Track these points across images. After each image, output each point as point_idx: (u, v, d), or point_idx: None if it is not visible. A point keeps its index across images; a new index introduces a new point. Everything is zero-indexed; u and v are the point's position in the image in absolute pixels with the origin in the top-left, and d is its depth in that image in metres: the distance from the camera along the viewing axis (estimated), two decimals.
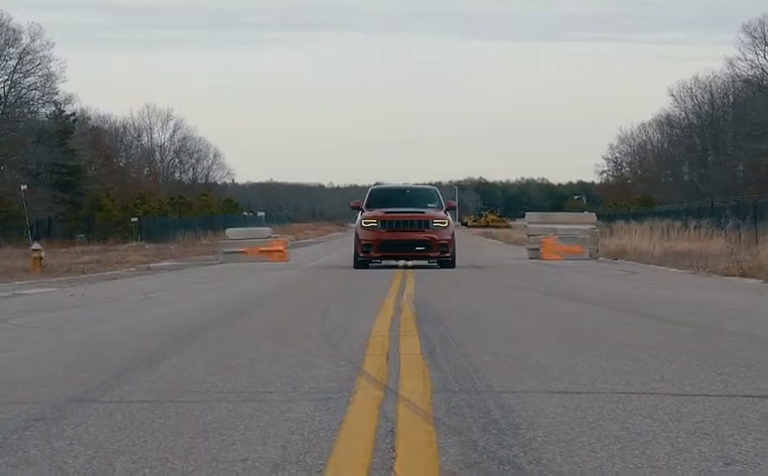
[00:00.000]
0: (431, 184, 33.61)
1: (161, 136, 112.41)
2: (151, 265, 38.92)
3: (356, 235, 29.65)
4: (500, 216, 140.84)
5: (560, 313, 13.43)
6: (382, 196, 31.12)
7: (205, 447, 4.97)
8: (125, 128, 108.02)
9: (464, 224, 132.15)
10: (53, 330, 11.69)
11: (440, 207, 30.56)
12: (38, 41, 76.23)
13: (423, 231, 29.09)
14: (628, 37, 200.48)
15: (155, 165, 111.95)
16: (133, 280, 26.36)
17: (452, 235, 29.53)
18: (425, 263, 29.80)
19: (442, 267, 28.76)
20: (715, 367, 7.76)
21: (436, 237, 28.96)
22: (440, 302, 15.21)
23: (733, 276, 23.68)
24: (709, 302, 15.45)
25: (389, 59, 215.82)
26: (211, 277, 26.69)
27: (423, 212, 29.76)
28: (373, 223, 29.32)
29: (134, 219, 79.15)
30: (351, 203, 31.20)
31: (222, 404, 6.21)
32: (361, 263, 29.22)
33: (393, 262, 30.00)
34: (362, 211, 30.12)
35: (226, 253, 39.75)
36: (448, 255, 28.98)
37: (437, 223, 29.22)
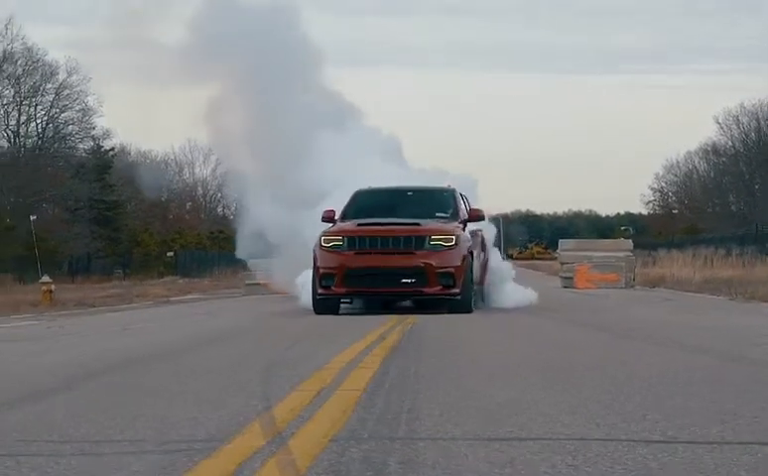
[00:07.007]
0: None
1: (203, 171, 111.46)
2: (171, 298, 37.66)
3: (314, 261, 18.61)
4: (546, 248, 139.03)
5: (562, 340, 11.74)
6: (369, 203, 20.06)
7: None
8: (166, 163, 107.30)
9: (510, 257, 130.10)
10: None
11: (454, 216, 19.48)
12: (74, 76, 75.66)
13: (413, 254, 17.96)
14: (674, 68, 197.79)
15: (197, 200, 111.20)
16: (136, 312, 24.97)
17: (464, 260, 18.10)
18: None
19: (451, 311, 17.87)
20: None
21: (433, 263, 17.85)
22: (440, 332, 13.47)
23: None
24: (735, 327, 13.72)
25: (433, 93, 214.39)
26: (214, 309, 25.17)
27: (417, 224, 18.50)
28: (337, 241, 18.35)
29: (170, 254, 78.30)
30: (323, 213, 19.76)
31: (38, 459, 4.64)
32: (323, 303, 18.42)
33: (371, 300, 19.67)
34: (333, 223, 19.38)
35: (248, 285, 38.35)
36: (455, 291, 17.90)
37: (436, 240, 18.05)
